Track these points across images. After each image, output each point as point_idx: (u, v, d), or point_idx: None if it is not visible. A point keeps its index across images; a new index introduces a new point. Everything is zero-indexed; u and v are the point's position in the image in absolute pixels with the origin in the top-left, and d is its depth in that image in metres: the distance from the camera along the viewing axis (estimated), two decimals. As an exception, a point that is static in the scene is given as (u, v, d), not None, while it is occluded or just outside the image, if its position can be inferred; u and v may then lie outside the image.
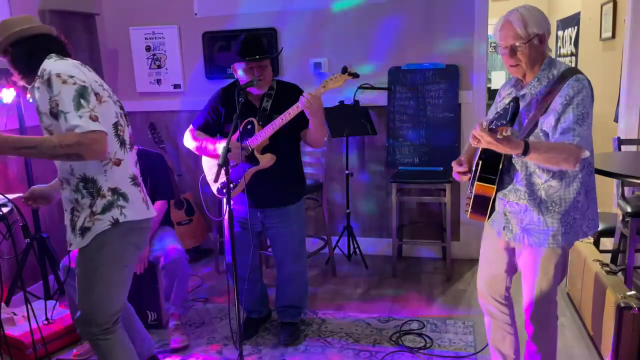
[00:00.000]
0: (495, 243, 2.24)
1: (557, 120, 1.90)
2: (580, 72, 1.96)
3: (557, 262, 2.09)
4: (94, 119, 1.90)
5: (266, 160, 2.77)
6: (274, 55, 2.73)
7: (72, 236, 2.10)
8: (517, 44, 1.94)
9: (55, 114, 1.91)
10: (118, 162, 2.07)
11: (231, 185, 2.71)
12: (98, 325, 2.13)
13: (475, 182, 2.05)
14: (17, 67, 2.07)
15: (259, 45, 2.73)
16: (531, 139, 1.97)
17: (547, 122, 1.94)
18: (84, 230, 2.05)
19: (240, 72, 2.75)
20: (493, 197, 2.05)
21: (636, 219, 2.86)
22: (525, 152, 1.82)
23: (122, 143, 2.11)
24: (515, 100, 1.90)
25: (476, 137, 1.83)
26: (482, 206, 2.08)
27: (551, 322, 2.21)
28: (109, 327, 2.15)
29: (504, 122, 1.76)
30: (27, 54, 2.03)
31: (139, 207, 2.13)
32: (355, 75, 2.65)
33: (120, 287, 2.17)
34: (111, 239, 2.06)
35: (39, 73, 1.95)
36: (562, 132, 1.89)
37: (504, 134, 1.77)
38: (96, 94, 1.99)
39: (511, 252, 2.22)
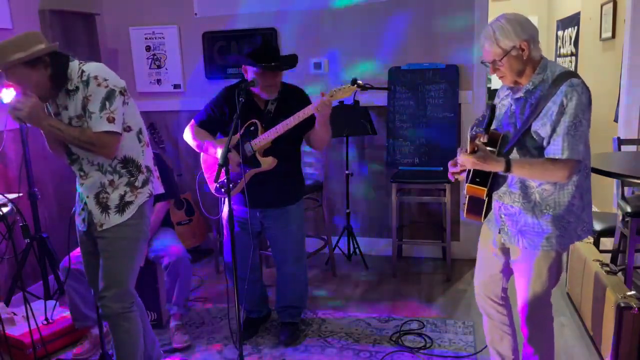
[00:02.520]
0: (491, 243, 2.24)
1: (553, 130, 1.91)
2: (575, 75, 1.94)
3: (550, 265, 2.09)
4: (110, 120, 2.16)
5: (268, 163, 2.78)
6: (287, 65, 2.72)
7: (104, 216, 2.28)
8: (495, 59, 1.97)
9: (83, 109, 2.17)
10: (147, 144, 2.39)
11: (230, 185, 2.71)
12: (131, 297, 2.36)
13: (466, 184, 2.08)
14: (54, 80, 2.15)
15: (275, 51, 2.73)
16: (525, 142, 2.00)
17: (541, 129, 1.95)
18: (125, 205, 2.29)
19: (251, 75, 2.73)
20: (485, 198, 2.06)
21: (636, 219, 2.86)
22: (508, 170, 1.93)
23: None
24: (492, 107, 2.02)
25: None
26: (477, 207, 2.11)
27: (547, 324, 2.21)
28: (134, 299, 2.39)
29: (481, 130, 1.94)
30: (63, 65, 2.17)
31: (158, 183, 2.47)
32: (364, 88, 2.73)
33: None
34: (146, 211, 2.36)
35: (77, 74, 2.16)
36: (553, 146, 1.92)
37: (481, 140, 1.92)
38: (123, 93, 2.21)
39: (507, 252, 2.22)
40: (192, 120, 2.94)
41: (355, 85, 2.67)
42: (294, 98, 2.85)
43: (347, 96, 2.71)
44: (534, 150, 2.00)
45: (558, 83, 1.92)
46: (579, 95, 1.88)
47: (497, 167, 1.95)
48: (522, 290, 2.16)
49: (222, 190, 2.76)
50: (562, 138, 1.90)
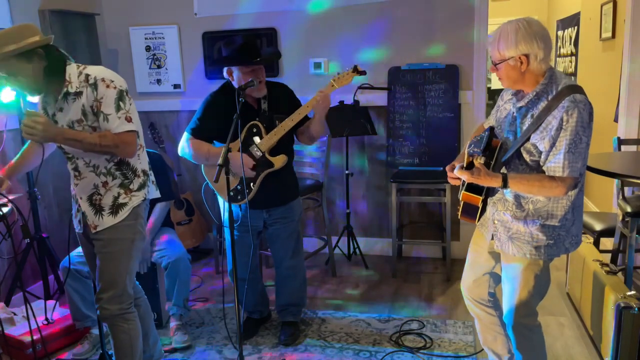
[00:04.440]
0: (483, 247, 2.26)
1: (552, 146, 1.90)
2: (579, 91, 1.91)
3: (537, 273, 2.09)
4: (129, 120, 2.19)
5: (281, 162, 2.79)
6: (274, 60, 2.74)
7: (97, 218, 2.28)
8: (495, 62, 1.97)
9: (96, 113, 2.16)
10: (143, 147, 2.38)
11: (246, 191, 2.71)
12: (129, 297, 2.34)
13: (462, 192, 2.07)
14: (48, 74, 2.14)
15: (257, 49, 2.74)
16: (523, 152, 2.00)
17: (540, 142, 1.94)
18: (119, 207, 2.28)
19: (237, 75, 2.73)
20: (480, 204, 2.06)
21: (636, 219, 2.86)
22: (505, 186, 1.94)
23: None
24: (491, 129, 2.01)
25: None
26: (471, 211, 2.11)
27: (533, 331, 2.20)
28: (132, 300, 2.37)
29: (478, 151, 1.94)
30: (58, 59, 2.16)
31: (154, 188, 2.44)
32: (363, 73, 2.77)
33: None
34: (141, 212, 2.35)
35: (80, 77, 2.16)
36: (553, 163, 1.92)
37: (479, 161, 1.92)
38: (128, 94, 2.22)
39: (497, 257, 2.23)
40: (186, 133, 2.86)
41: (355, 72, 2.71)
42: (281, 93, 2.89)
43: (347, 83, 2.74)
44: (532, 162, 1.99)
45: (560, 97, 1.89)
46: (580, 112, 1.85)
47: (494, 183, 1.94)
48: (507, 297, 2.16)
49: (238, 197, 2.77)
50: (563, 156, 1.88)
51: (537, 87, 1.96)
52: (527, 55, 1.89)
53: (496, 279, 2.29)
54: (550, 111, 1.90)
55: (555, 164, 1.91)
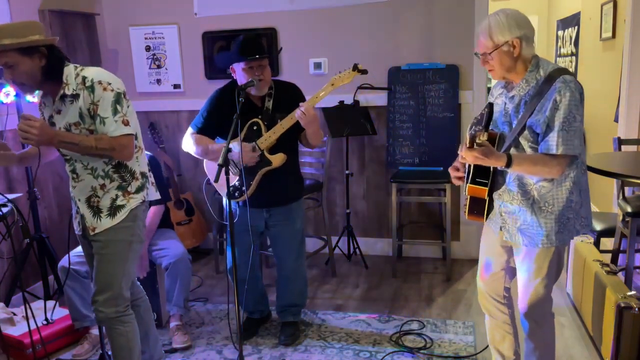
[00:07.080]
0: (494, 241, 2.25)
1: (547, 126, 1.93)
2: (567, 72, 1.96)
3: (550, 260, 2.10)
4: (126, 123, 2.17)
5: (279, 160, 2.78)
6: (274, 55, 2.73)
7: (95, 220, 2.27)
8: (486, 52, 1.99)
9: (92, 116, 2.15)
10: (142, 149, 2.37)
11: (243, 188, 2.71)
12: (125, 300, 2.33)
13: (467, 185, 2.08)
14: (46, 73, 2.13)
15: (258, 45, 2.74)
16: (521, 140, 2.01)
17: (536, 126, 1.96)
18: (117, 209, 2.27)
19: (239, 73, 2.74)
20: (487, 197, 2.06)
21: (636, 219, 2.86)
22: (509, 165, 1.93)
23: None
24: (490, 105, 2.06)
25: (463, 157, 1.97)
26: (478, 207, 2.11)
27: (546, 319, 2.21)
28: (129, 302, 2.37)
29: (480, 128, 1.91)
30: (59, 60, 2.16)
31: (153, 189, 2.44)
32: (364, 72, 2.75)
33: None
34: (139, 214, 2.33)
35: (77, 80, 2.15)
36: (547, 142, 1.94)
37: (481, 138, 1.90)
38: (125, 96, 2.21)
39: (509, 251, 2.23)
40: (190, 128, 2.88)
41: (356, 71, 2.70)
42: (288, 93, 2.88)
43: (348, 82, 2.73)
44: (530, 149, 2.01)
45: (551, 80, 1.94)
46: (572, 92, 1.90)
47: (499, 163, 1.93)
48: (522, 286, 2.18)
49: (236, 194, 2.77)
50: (557, 134, 1.91)
51: (526, 75, 2.01)
52: (520, 39, 1.94)
53: (511, 274, 2.29)
54: (542, 95, 1.94)
55: (549, 142, 1.93)
